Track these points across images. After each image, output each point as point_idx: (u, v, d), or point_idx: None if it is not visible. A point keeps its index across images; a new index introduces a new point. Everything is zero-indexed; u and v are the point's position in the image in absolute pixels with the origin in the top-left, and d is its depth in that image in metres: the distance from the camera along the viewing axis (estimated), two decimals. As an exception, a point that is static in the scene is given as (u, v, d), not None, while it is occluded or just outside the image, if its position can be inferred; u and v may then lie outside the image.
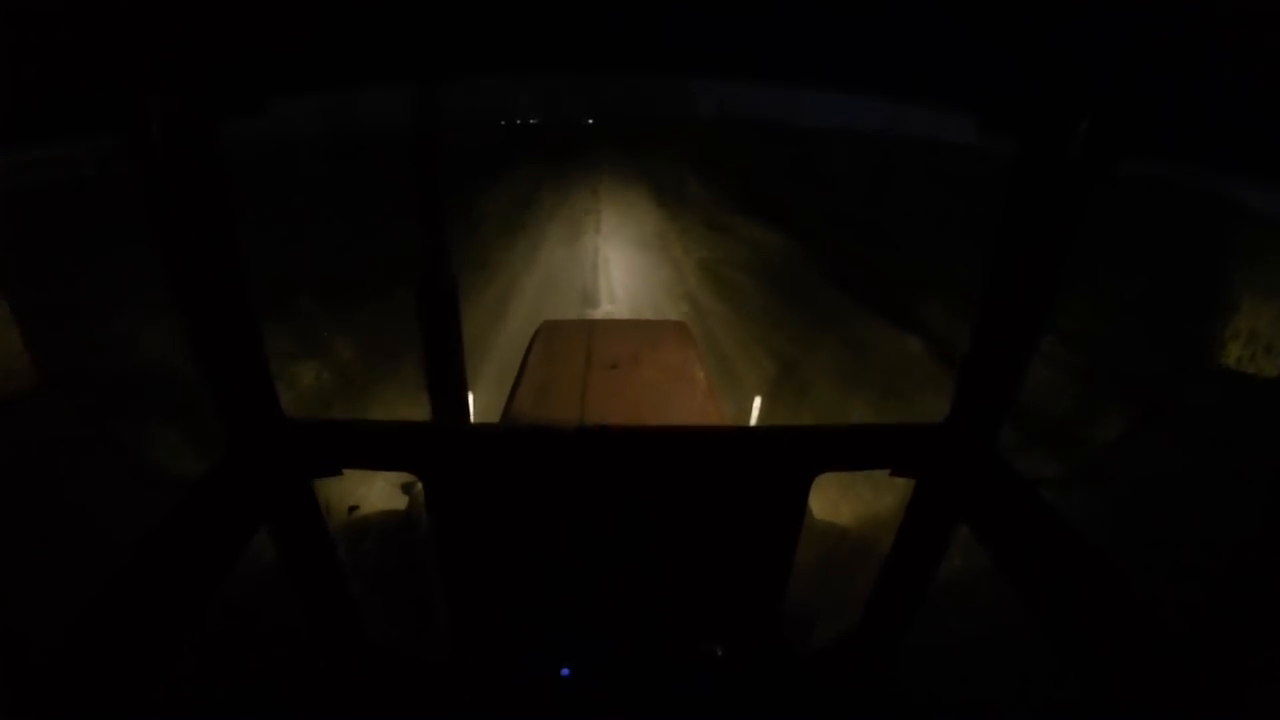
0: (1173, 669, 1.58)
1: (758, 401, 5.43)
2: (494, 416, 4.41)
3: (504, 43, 1.64)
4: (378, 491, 5.25)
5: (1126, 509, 4.62)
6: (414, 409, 6.84)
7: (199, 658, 2.03)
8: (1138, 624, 1.69)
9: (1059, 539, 1.95)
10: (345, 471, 2.40)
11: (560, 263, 12.10)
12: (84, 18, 1.25)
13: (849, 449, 2.60)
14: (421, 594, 2.83)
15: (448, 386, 2.29)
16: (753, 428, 4.74)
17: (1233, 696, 1.48)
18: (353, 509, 5.07)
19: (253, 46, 1.53)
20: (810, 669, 2.92)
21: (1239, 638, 1.50)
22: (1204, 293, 6.44)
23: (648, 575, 2.65)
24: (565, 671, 2.78)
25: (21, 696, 1.42)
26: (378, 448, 2.48)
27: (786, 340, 9.08)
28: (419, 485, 2.57)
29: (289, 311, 7.93)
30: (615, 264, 12.04)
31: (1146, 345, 6.70)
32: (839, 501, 5.54)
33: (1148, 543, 4.24)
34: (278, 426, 2.21)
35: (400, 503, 4.92)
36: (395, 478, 5.25)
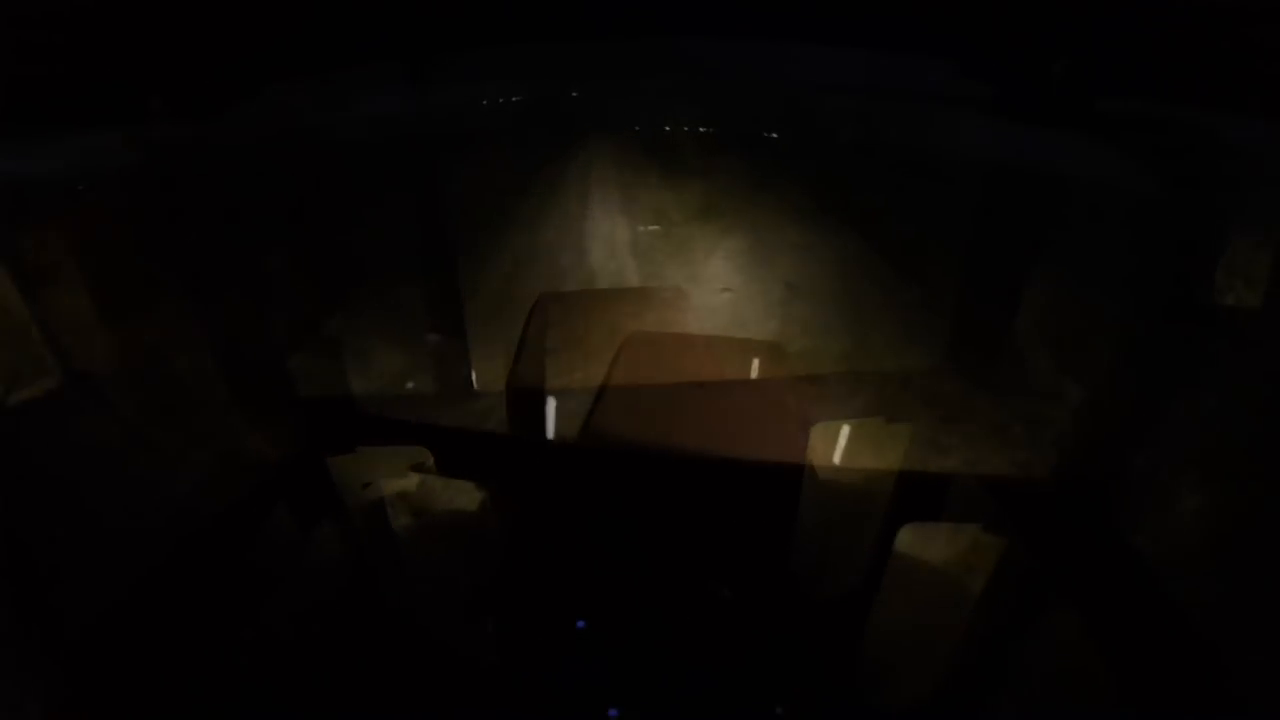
0: None
1: (845, 431, 5.14)
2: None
3: (494, 16, 1.59)
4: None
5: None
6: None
7: (224, 646, 2.05)
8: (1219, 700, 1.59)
9: (1167, 620, 1.81)
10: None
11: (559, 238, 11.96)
12: (76, 24, 1.23)
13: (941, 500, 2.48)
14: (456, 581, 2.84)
15: (452, 359, 2.29)
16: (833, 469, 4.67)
17: None
18: (365, 485, 5.07)
19: (246, 41, 1.51)
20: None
21: None
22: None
23: (657, 523, 2.68)
24: (580, 624, 2.81)
25: (58, 683, 1.44)
26: (386, 422, 2.48)
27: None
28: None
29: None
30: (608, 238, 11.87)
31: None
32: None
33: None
34: (289, 407, 2.21)
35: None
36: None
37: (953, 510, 2.52)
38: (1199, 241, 1.75)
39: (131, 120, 1.56)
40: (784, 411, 4.49)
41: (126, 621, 1.62)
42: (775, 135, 3.58)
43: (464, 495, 2.46)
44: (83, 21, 1.25)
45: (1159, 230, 1.82)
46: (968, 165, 2.62)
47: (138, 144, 1.59)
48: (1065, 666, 2.35)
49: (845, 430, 2.51)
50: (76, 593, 1.80)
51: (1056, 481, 2.17)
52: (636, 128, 3.90)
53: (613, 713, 2.78)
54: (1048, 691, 2.50)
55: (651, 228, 4.49)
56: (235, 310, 1.97)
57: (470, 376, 3.32)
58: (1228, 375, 1.82)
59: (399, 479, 2.37)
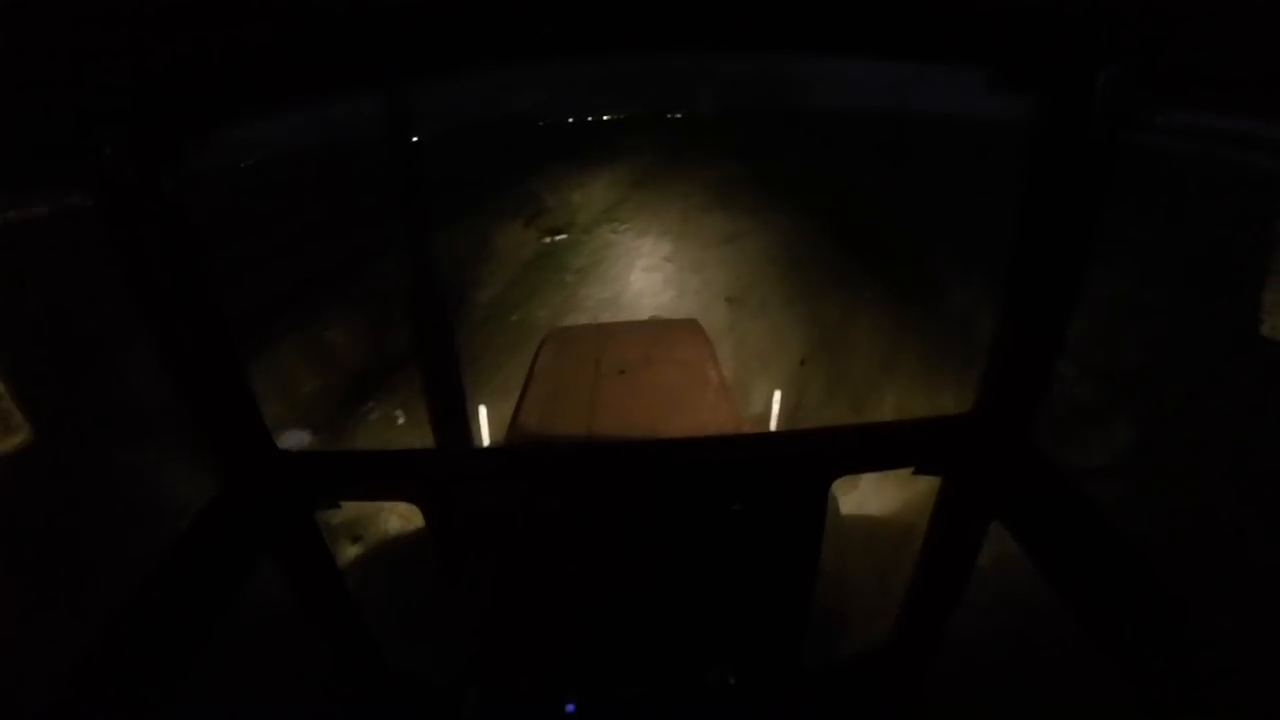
0: (1204, 665, 1.53)
1: (778, 396, 5.32)
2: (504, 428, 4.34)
3: (478, 36, 1.54)
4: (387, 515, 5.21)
5: (1161, 499, 4.52)
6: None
7: (206, 692, 1.98)
8: (1169, 620, 1.62)
9: (1096, 533, 1.85)
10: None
11: (567, 261, 12.06)
12: (28, 48, 1.17)
13: (869, 448, 2.47)
14: (435, 618, 2.77)
15: (445, 407, 2.21)
16: (759, 434, 4.66)
17: (1265, 693, 1.42)
18: (356, 538, 5.01)
19: (209, 64, 1.45)
20: (834, 685, 2.81)
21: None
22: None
23: (656, 596, 2.55)
24: (570, 707, 2.68)
25: None
26: (374, 477, 2.41)
27: (812, 325, 9.01)
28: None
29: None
30: (626, 259, 11.96)
31: (1189, 320, 6.56)
32: (868, 492, 5.45)
33: (1182, 535, 4.13)
34: (270, 460, 2.14)
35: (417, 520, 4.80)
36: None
37: (880, 456, 2.55)
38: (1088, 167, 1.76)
39: (85, 158, 1.49)
40: (705, 382, 4.58)
41: (91, 686, 1.55)
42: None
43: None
44: (33, 50, 1.19)
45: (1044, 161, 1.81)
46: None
47: (91, 183, 1.52)
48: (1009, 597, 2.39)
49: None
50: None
51: (982, 414, 2.16)
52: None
53: (570, 707, 2.71)
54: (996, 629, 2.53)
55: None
56: (206, 359, 1.89)
57: (466, 423, 3.25)
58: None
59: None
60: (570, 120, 18.69)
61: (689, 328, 5.57)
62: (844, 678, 2.80)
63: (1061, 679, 2.60)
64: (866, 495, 5.45)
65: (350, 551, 4.57)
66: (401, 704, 2.69)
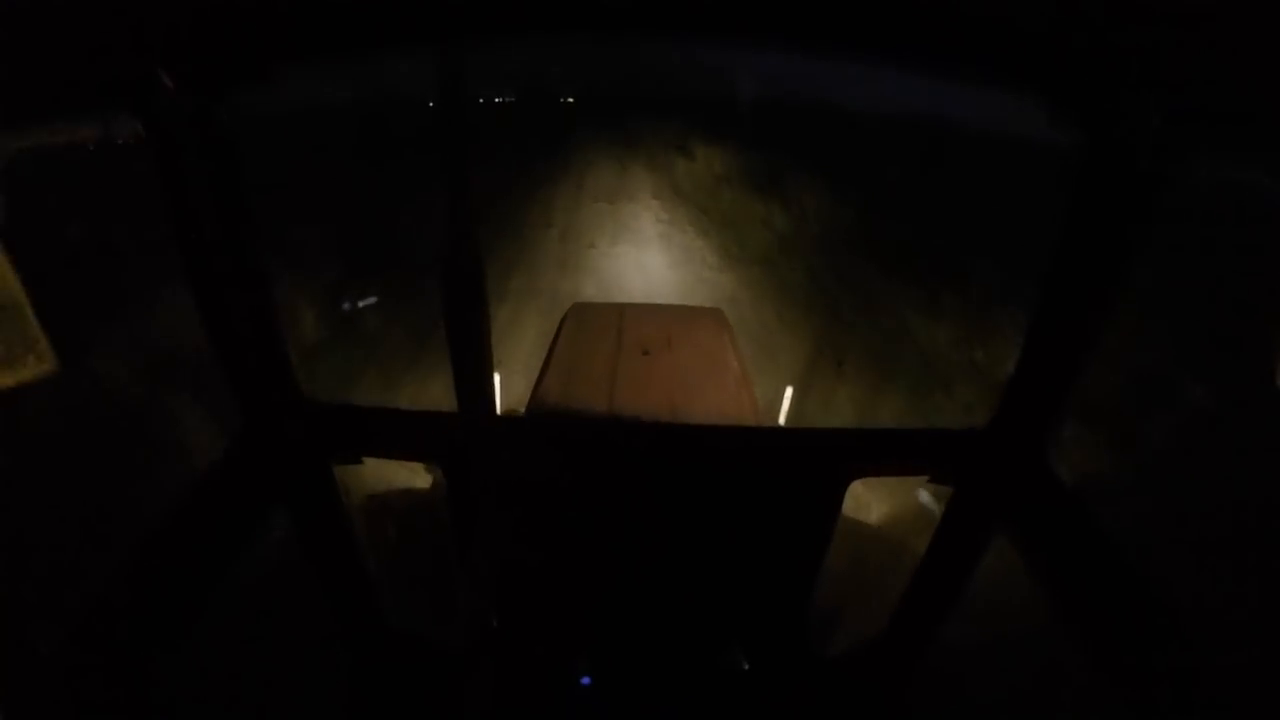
0: (1203, 683, 1.53)
1: (789, 392, 5.27)
2: (523, 399, 4.34)
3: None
4: (397, 470, 5.24)
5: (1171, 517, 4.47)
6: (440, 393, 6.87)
7: (212, 641, 2.00)
8: (1168, 637, 1.64)
9: (1099, 553, 1.86)
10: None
11: (590, 240, 12.06)
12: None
13: (887, 452, 2.48)
14: (441, 579, 2.79)
15: (472, 375, 2.21)
16: (787, 428, 4.59)
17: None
18: (372, 497, 5.04)
19: (260, 11, 1.44)
20: (835, 677, 2.83)
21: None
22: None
23: (672, 577, 2.57)
24: (585, 680, 2.70)
25: (30, 681, 1.38)
26: (398, 436, 2.42)
27: (823, 325, 8.98)
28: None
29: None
30: (649, 246, 11.94)
31: (1204, 347, 6.45)
32: (866, 498, 5.43)
33: (1190, 552, 4.09)
34: (296, 407, 2.15)
35: (421, 481, 4.90)
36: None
37: (898, 462, 2.56)
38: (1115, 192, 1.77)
39: (139, 95, 1.49)
40: (726, 370, 4.51)
41: (101, 630, 1.56)
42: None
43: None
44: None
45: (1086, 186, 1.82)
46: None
47: (145, 119, 1.51)
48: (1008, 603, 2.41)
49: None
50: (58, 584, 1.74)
51: (999, 428, 2.18)
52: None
53: (584, 680, 2.72)
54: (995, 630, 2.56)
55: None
56: (242, 303, 1.90)
57: (493, 392, 3.25)
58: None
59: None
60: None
61: (712, 315, 5.51)
62: (840, 671, 2.82)
63: (1044, 671, 2.61)
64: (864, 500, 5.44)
65: (359, 503, 4.63)
66: (404, 666, 2.71)
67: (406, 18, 1.62)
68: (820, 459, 2.38)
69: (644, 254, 11.59)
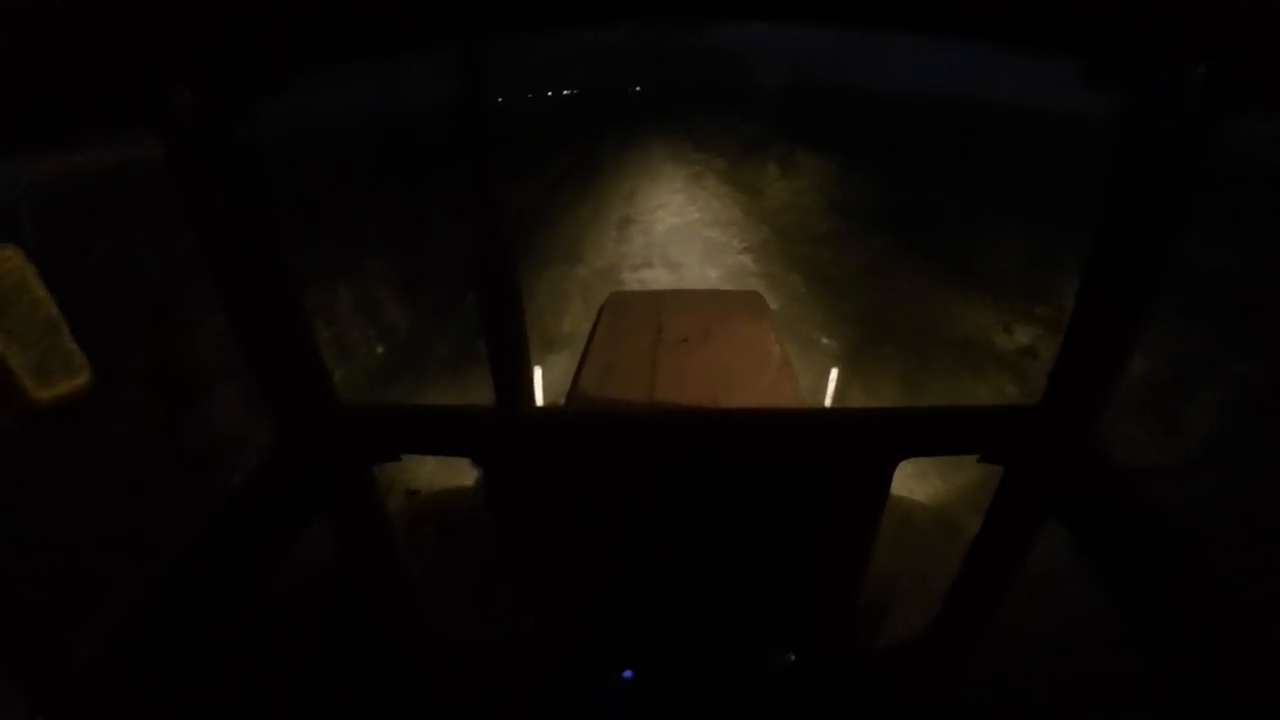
0: (1265, 671, 1.44)
1: (834, 374, 5.19)
2: (563, 390, 4.32)
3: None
4: (433, 470, 5.25)
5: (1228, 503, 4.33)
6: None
7: (253, 649, 2.00)
8: (1228, 624, 1.55)
9: (1156, 536, 1.76)
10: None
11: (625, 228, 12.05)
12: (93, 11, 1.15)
13: (935, 432, 2.40)
14: (483, 581, 2.78)
15: (509, 369, 2.18)
16: (835, 409, 4.50)
17: None
18: (412, 493, 5.06)
19: (277, 18, 1.41)
20: (884, 668, 2.77)
21: None
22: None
23: (717, 570, 2.51)
24: (628, 673, 2.67)
25: (67, 688, 1.37)
26: (436, 432, 2.40)
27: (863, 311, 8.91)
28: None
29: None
30: (683, 230, 11.89)
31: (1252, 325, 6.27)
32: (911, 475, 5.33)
33: (1247, 539, 3.96)
34: (331, 413, 2.14)
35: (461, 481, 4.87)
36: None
37: (947, 440, 2.48)
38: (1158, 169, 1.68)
39: (159, 112, 1.47)
40: (767, 358, 4.44)
41: (140, 641, 1.55)
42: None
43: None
44: (101, 14, 1.16)
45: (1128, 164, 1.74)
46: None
47: (162, 131, 1.50)
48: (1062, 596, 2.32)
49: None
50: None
51: (1048, 407, 2.09)
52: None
53: (627, 673, 2.68)
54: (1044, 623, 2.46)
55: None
56: (271, 310, 1.88)
57: (530, 385, 3.21)
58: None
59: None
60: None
61: (751, 300, 5.43)
62: (889, 662, 2.76)
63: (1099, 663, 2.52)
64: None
65: (399, 505, 4.67)
66: (447, 671, 2.70)
67: (425, 16, 1.59)
68: (870, 439, 2.32)
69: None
